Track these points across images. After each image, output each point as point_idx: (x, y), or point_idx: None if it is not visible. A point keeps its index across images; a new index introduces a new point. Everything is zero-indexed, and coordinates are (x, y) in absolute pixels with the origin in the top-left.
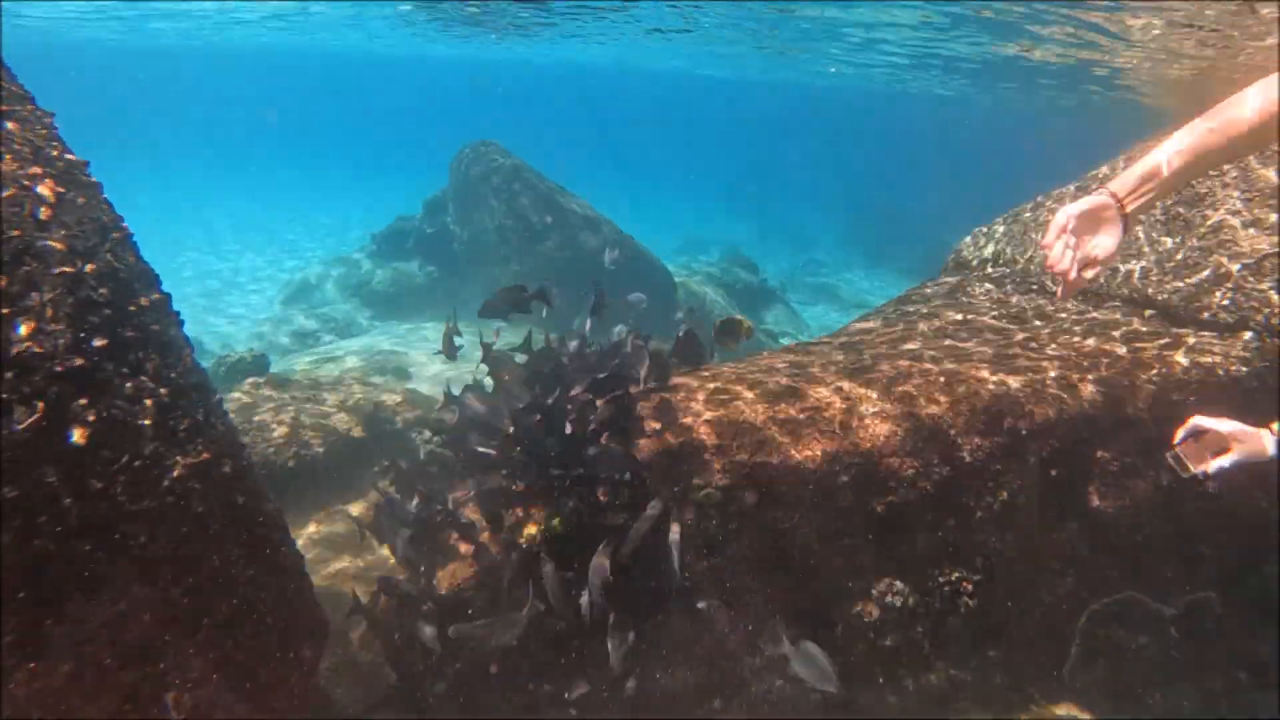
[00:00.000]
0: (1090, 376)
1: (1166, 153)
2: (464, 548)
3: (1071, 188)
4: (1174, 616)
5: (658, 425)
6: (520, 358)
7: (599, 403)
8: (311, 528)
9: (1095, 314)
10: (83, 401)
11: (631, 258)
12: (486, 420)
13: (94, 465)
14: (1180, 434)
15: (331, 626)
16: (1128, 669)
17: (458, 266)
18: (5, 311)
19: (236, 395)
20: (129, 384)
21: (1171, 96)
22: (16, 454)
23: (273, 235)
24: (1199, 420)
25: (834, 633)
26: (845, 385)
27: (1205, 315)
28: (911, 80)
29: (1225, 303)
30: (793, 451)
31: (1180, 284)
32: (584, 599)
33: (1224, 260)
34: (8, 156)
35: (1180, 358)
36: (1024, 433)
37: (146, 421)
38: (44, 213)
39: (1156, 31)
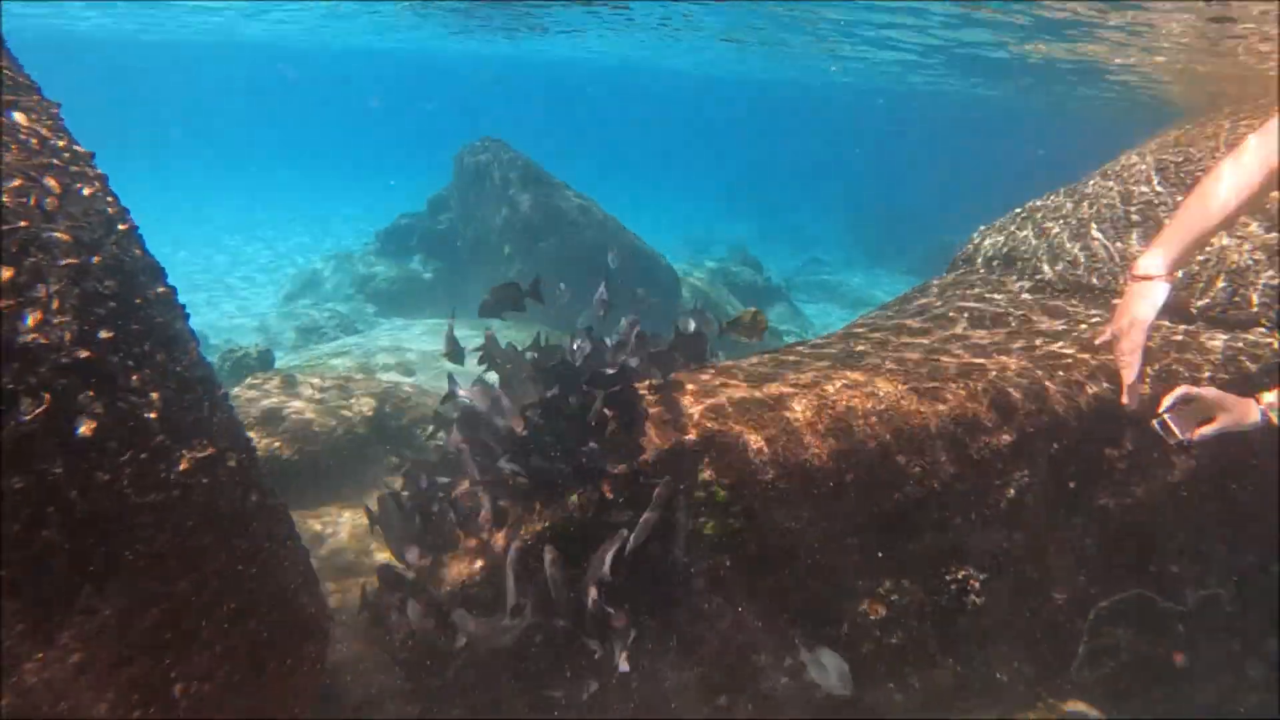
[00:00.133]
0: (1099, 374)
1: (1208, 221)
2: (468, 543)
3: (1063, 197)
4: (1184, 614)
5: (662, 422)
6: (527, 355)
7: (604, 397)
8: (316, 523)
9: (1102, 313)
10: (89, 394)
11: (635, 255)
12: (492, 415)
13: (101, 458)
14: (1167, 401)
15: (336, 622)
16: (1136, 667)
17: (461, 263)
18: (12, 302)
19: (241, 390)
20: (135, 377)
21: (1178, 91)
22: (23, 445)
23: (277, 231)
24: (1186, 388)
25: (840, 631)
26: (851, 382)
27: (1215, 312)
28: (915, 79)
29: (1236, 299)
30: (799, 449)
31: (1188, 280)
32: (588, 596)
33: (1233, 256)
34: (14, 147)
35: (1189, 355)
36: (1032, 430)
37: (153, 415)
38: (50, 204)
39: (1161, 30)
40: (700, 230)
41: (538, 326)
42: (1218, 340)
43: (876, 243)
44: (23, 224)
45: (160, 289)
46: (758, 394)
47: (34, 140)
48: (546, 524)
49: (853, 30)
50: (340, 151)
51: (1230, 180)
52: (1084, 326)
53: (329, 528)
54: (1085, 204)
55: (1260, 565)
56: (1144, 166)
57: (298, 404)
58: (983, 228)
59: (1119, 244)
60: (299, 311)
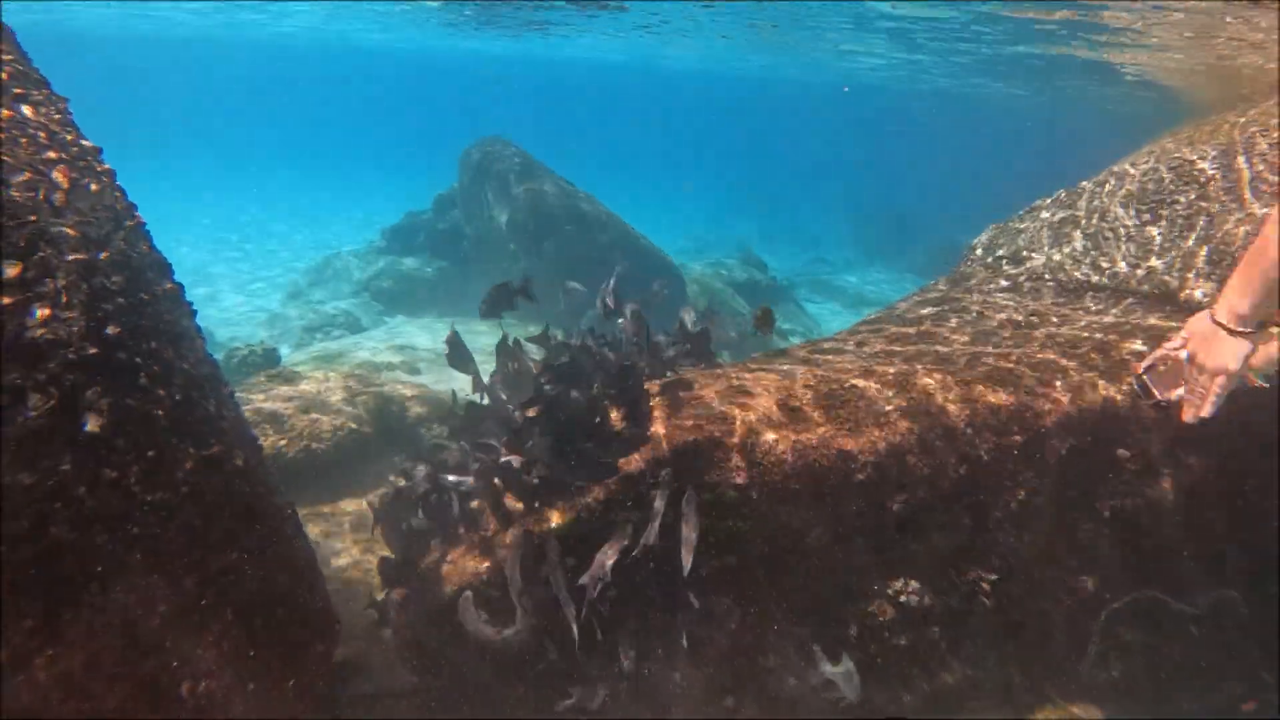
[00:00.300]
0: (1109, 376)
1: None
2: (473, 542)
3: (1072, 197)
4: (1196, 616)
5: (670, 421)
6: (534, 352)
7: (610, 394)
8: (321, 522)
9: (1115, 311)
10: (97, 390)
11: (640, 254)
12: (498, 414)
13: (108, 455)
14: (1147, 361)
15: (343, 620)
16: (1147, 669)
17: (467, 262)
18: (20, 298)
19: (246, 387)
20: (143, 374)
21: (1186, 90)
22: (31, 441)
23: (283, 229)
24: (1166, 348)
25: (848, 632)
26: (860, 383)
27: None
28: (918, 78)
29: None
30: (807, 449)
31: (1203, 279)
32: (594, 594)
33: None
34: (24, 141)
35: None
36: (1042, 431)
37: (160, 412)
38: (58, 198)
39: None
40: (704, 229)
41: (547, 325)
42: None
43: (879, 241)
44: (31, 218)
45: (167, 285)
46: (765, 394)
47: (42, 134)
48: (552, 523)
49: (863, 28)
50: (348, 149)
51: None
52: (1094, 327)
53: (334, 525)
54: (1094, 203)
55: (1277, 567)
56: (1154, 166)
57: (303, 403)
58: (990, 227)
59: (1128, 245)
60: (305, 309)
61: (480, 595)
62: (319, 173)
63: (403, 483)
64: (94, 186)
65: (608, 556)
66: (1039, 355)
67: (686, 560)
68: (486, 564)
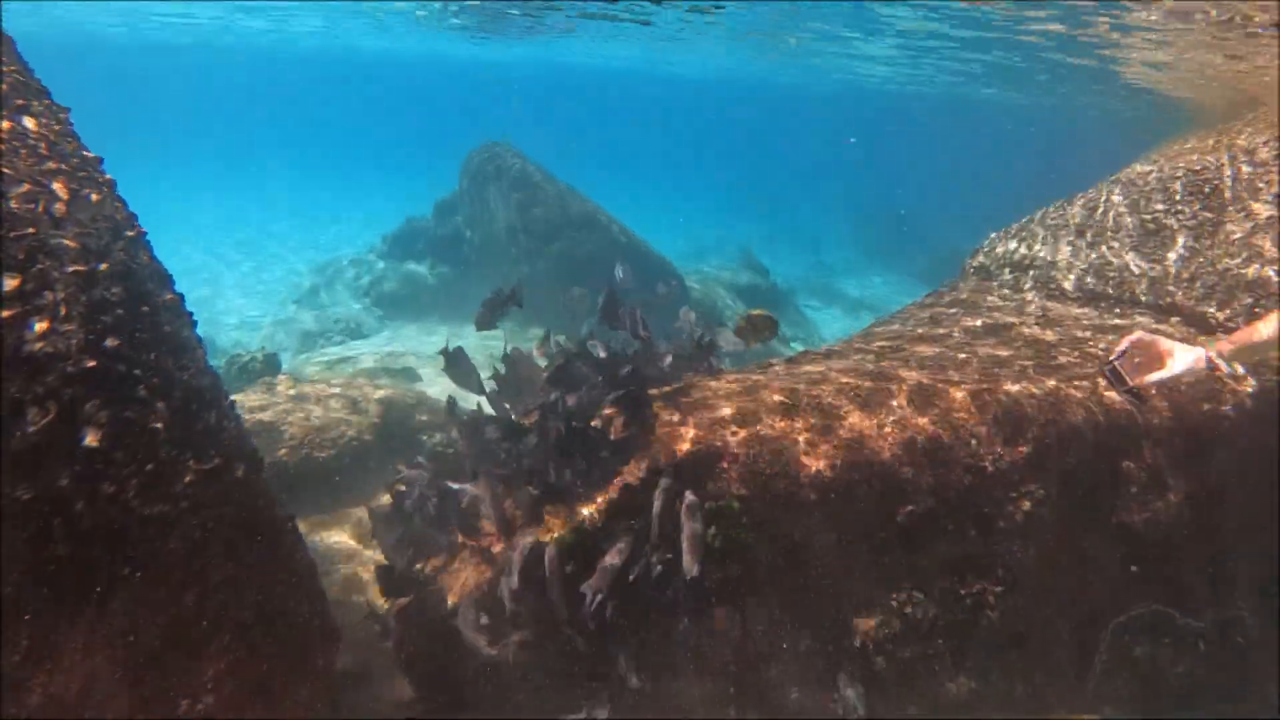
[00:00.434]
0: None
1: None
2: (474, 552)
3: (1077, 206)
4: (1203, 632)
5: (673, 430)
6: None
7: (612, 399)
8: (322, 531)
9: (1119, 323)
10: (96, 403)
11: (641, 259)
12: (501, 420)
13: (107, 469)
14: (1119, 348)
15: (344, 630)
16: (1154, 684)
17: (468, 268)
18: (19, 310)
19: (247, 395)
20: (142, 386)
21: (1191, 95)
22: (30, 455)
23: (284, 235)
24: (1139, 335)
25: (852, 643)
26: (862, 392)
27: (1238, 322)
28: (921, 82)
29: (1256, 311)
30: (810, 459)
31: (1208, 292)
32: (594, 603)
33: (1256, 266)
34: (24, 153)
35: None
36: (1048, 442)
37: (159, 424)
38: (58, 210)
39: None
40: (705, 233)
41: (548, 331)
42: None
43: (881, 246)
44: (30, 230)
45: (168, 296)
46: (768, 403)
47: (42, 145)
48: (554, 532)
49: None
50: (349, 151)
51: None
52: (1099, 338)
53: (335, 534)
54: (1098, 212)
55: None
56: (1158, 175)
57: (304, 410)
58: (994, 235)
59: (1133, 254)
60: (306, 315)
61: (481, 606)
62: (319, 175)
63: (402, 491)
64: (94, 197)
65: (609, 565)
66: (1041, 364)
67: (689, 565)
68: (487, 574)
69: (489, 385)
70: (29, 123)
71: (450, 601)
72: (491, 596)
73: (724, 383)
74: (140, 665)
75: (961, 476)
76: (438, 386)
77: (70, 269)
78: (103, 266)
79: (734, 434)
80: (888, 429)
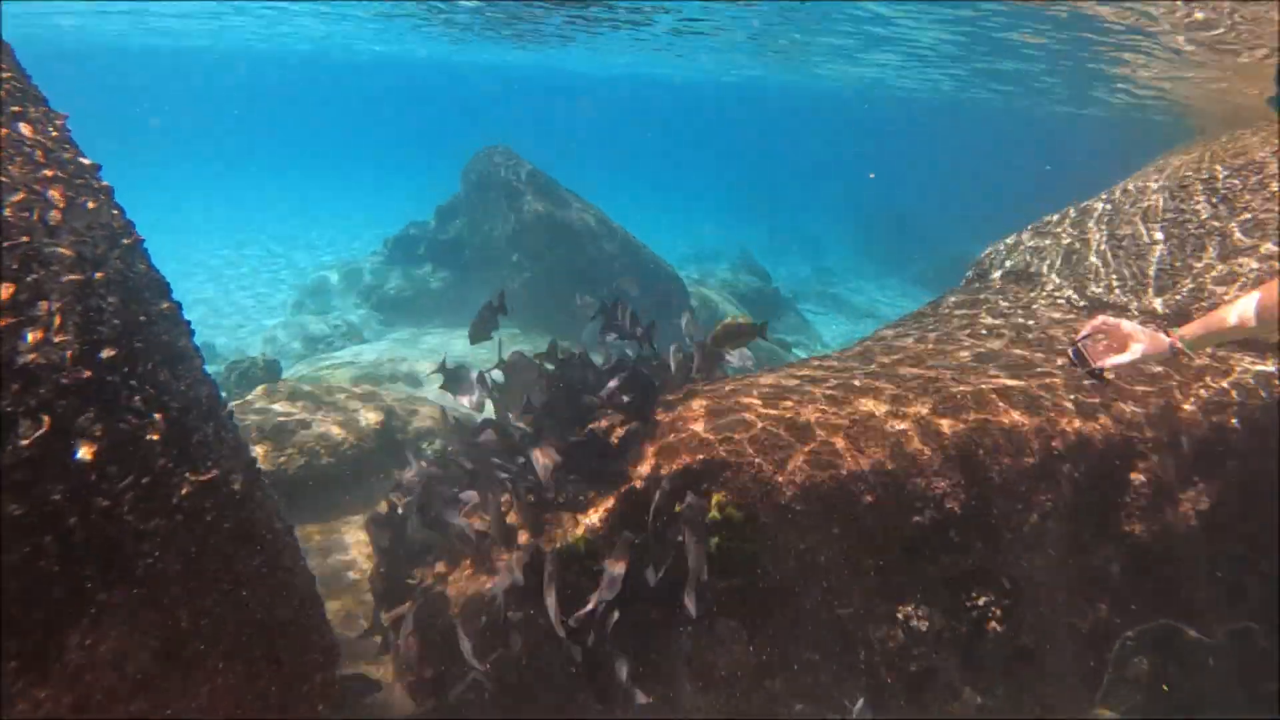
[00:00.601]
0: (1124, 396)
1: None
2: (474, 562)
3: (1071, 212)
4: (1214, 646)
5: (675, 440)
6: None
7: (616, 408)
8: (322, 539)
9: None
10: (90, 416)
11: (643, 265)
12: (501, 426)
13: (101, 483)
14: (1083, 331)
15: (343, 641)
16: (1164, 699)
17: (469, 273)
18: (12, 320)
19: (247, 402)
20: (137, 397)
21: (1196, 109)
22: (21, 470)
23: (285, 240)
24: (1103, 318)
25: (857, 657)
26: (869, 401)
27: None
28: (924, 85)
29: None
30: (815, 470)
31: (1215, 304)
32: (598, 614)
33: (1266, 279)
34: (19, 159)
35: (1219, 377)
36: (1055, 453)
37: (155, 437)
38: (54, 217)
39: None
40: (707, 237)
41: (554, 340)
42: (1255, 363)
43: (883, 252)
44: (24, 239)
45: (165, 305)
46: (772, 412)
47: (38, 152)
48: (556, 543)
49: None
50: (349, 160)
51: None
52: None
53: (334, 543)
54: (1104, 221)
55: None
56: (1164, 184)
57: (304, 417)
58: (999, 242)
59: (1140, 262)
60: (306, 320)
61: (479, 615)
62: (320, 177)
63: (401, 498)
64: (91, 204)
65: (614, 575)
66: (1049, 375)
67: (694, 574)
68: (487, 583)
69: (488, 393)
70: (24, 129)
71: (448, 611)
72: (491, 606)
73: (728, 392)
74: (133, 687)
75: (968, 488)
76: (437, 392)
77: (66, 278)
78: (98, 275)
79: (737, 444)
80: (892, 438)
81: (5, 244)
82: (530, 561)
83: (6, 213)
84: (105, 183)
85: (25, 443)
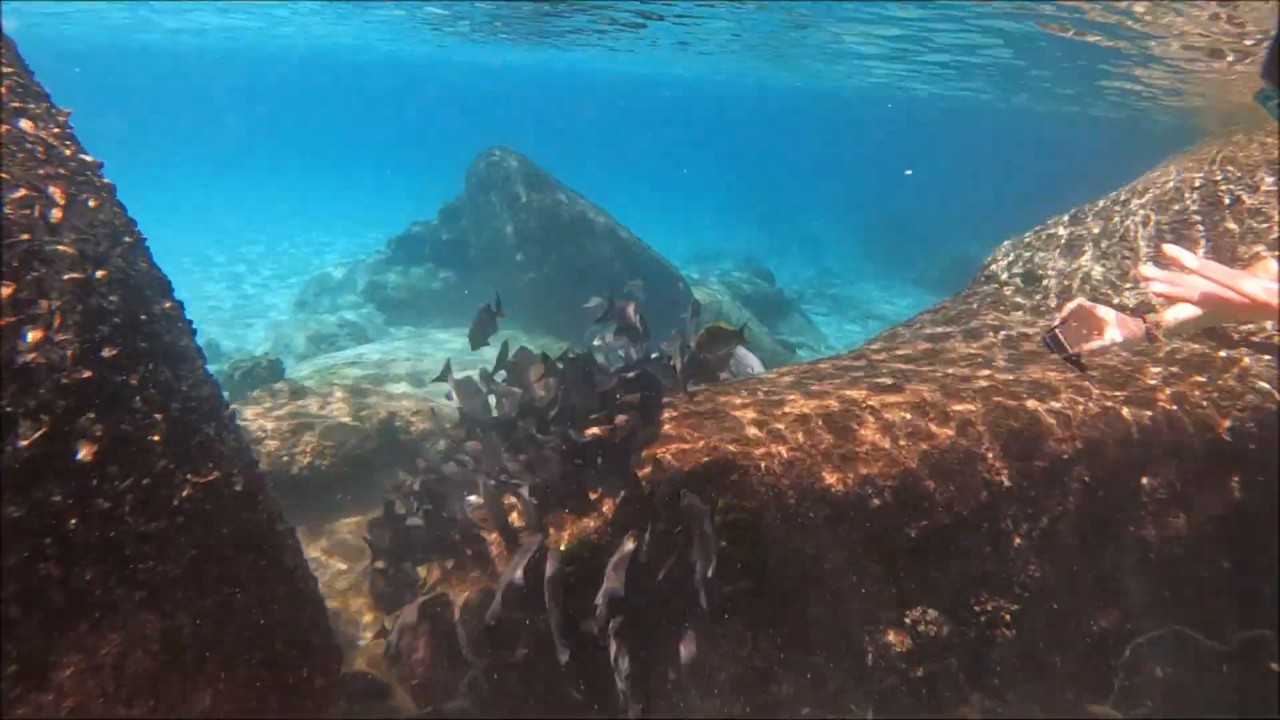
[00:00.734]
0: (1134, 400)
1: None
2: (478, 564)
3: (1084, 212)
4: (1227, 654)
5: (679, 441)
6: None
7: (621, 408)
8: (324, 541)
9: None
10: (90, 416)
11: (646, 265)
12: (504, 426)
13: (101, 484)
14: (1060, 316)
15: (345, 644)
16: (1175, 707)
17: (473, 273)
18: (13, 319)
19: (250, 401)
20: (138, 398)
21: (1200, 112)
22: (21, 471)
23: (288, 239)
24: (1080, 302)
25: (864, 662)
26: (876, 404)
27: (1258, 336)
28: (926, 87)
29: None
30: (823, 473)
31: None
32: (604, 615)
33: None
34: (21, 156)
35: (1232, 381)
36: (1066, 458)
37: (156, 437)
38: (55, 215)
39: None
40: (711, 238)
41: (556, 340)
42: (1261, 364)
43: (886, 253)
44: (25, 237)
45: (167, 304)
46: (776, 414)
47: (40, 149)
48: (560, 544)
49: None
50: (352, 160)
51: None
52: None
53: (337, 543)
54: (1111, 223)
55: None
56: (1173, 185)
57: (307, 417)
58: (1003, 244)
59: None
60: (310, 320)
61: (481, 617)
62: (323, 176)
63: (404, 499)
64: (93, 202)
65: (619, 575)
66: (1058, 378)
67: (696, 584)
68: (489, 584)
69: (491, 393)
70: (27, 126)
71: (450, 613)
72: (492, 607)
73: (733, 394)
74: (135, 690)
75: (977, 491)
76: (440, 393)
77: (66, 276)
78: (100, 273)
79: (744, 446)
80: (900, 443)
81: (6, 242)
82: (532, 562)
83: (7, 210)
84: (107, 180)
85: (25, 443)
